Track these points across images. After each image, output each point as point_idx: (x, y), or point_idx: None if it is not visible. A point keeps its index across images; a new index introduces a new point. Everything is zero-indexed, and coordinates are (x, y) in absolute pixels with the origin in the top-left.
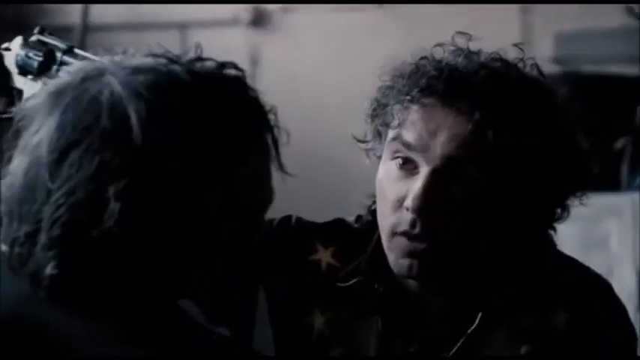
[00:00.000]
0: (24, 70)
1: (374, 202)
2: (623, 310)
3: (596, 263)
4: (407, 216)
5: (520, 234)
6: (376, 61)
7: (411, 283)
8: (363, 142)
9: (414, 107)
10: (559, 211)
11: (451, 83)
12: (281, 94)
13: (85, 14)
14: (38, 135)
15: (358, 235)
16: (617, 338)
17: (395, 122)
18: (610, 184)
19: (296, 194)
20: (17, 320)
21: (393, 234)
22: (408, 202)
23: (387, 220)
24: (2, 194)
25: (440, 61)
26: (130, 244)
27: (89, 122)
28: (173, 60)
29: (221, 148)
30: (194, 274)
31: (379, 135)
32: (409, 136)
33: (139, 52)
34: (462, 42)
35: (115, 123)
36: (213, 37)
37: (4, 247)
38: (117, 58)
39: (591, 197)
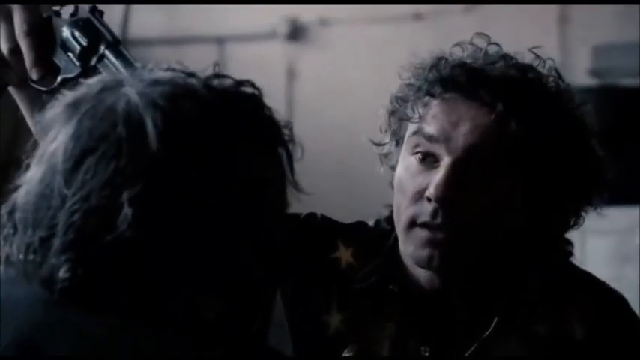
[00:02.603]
0: (66, 47)
1: (391, 212)
2: (638, 323)
3: (628, 276)
4: (428, 207)
5: (539, 232)
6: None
7: (426, 284)
8: (380, 145)
9: (435, 102)
10: (574, 211)
11: (472, 76)
12: (318, 106)
13: (124, 28)
14: (54, 144)
15: (377, 238)
16: (634, 350)
17: (415, 116)
18: None
19: (332, 204)
20: (32, 325)
21: (413, 225)
22: (431, 191)
23: (406, 213)
24: (18, 202)
25: (460, 58)
26: (142, 249)
27: (105, 130)
28: (191, 74)
29: (234, 160)
30: (207, 283)
31: (397, 138)
32: (430, 128)
33: (175, 65)
34: (480, 42)
35: (131, 131)
36: (250, 51)
37: (19, 256)
38: (135, 71)
39: (624, 211)
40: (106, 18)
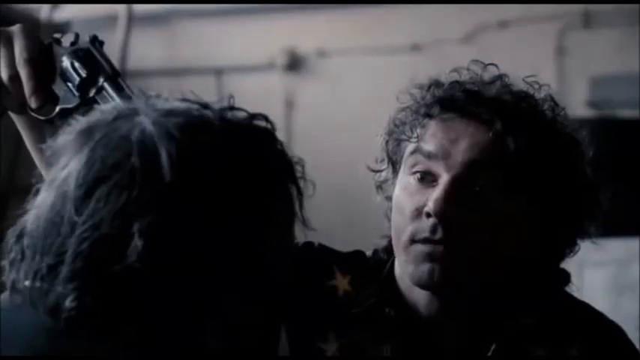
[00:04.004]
0: (65, 77)
1: (388, 242)
2: (636, 353)
3: (626, 307)
4: (427, 222)
5: (536, 256)
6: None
7: (424, 309)
8: (378, 171)
9: (433, 122)
10: (570, 239)
11: (470, 95)
12: (316, 137)
13: (123, 59)
14: (66, 170)
15: (374, 266)
16: None
17: (414, 136)
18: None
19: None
20: (36, 353)
21: (412, 242)
22: (430, 206)
23: (405, 231)
24: (27, 227)
25: (456, 80)
26: (150, 281)
27: (119, 159)
28: (205, 106)
29: (246, 194)
30: (212, 318)
31: (394, 161)
32: (429, 146)
33: (175, 96)
34: (476, 69)
35: (145, 160)
36: (249, 82)
37: (25, 282)
38: (150, 100)
39: (622, 242)
40: (105, 48)
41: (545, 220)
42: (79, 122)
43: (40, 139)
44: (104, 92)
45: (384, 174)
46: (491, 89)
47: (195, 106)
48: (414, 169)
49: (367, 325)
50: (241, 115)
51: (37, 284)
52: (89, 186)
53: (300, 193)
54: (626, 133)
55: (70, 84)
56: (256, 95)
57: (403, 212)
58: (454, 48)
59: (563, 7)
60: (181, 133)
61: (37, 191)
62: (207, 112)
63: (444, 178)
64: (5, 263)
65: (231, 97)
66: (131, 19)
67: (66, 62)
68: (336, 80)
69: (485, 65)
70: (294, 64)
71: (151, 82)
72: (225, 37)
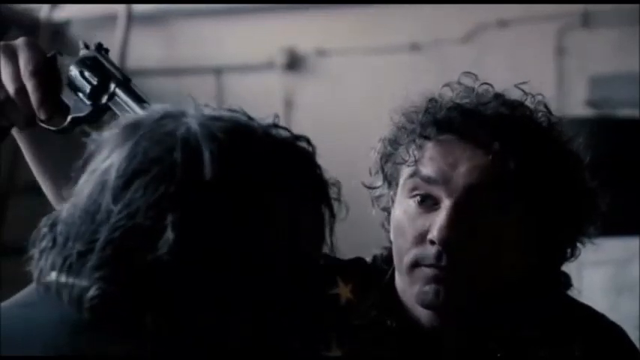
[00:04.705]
0: (75, 86)
1: (388, 252)
2: (636, 352)
3: (626, 307)
4: (431, 249)
5: (539, 267)
6: (412, 104)
7: (425, 320)
8: (373, 188)
9: (430, 144)
10: (571, 243)
11: (467, 117)
12: (315, 137)
13: (122, 59)
14: (108, 161)
15: (374, 274)
16: None
17: (411, 159)
18: (639, 227)
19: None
20: (58, 350)
21: (416, 266)
22: (434, 234)
23: (408, 255)
24: (62, 215)
25: (452, 100)
26: (178, 274)
27: (161, 153)
28: (251, 118)
29: (278, 209)
30: (240, 315)
31: (389, 180)
32: (428, 170)
33: (176, 97)
34: (468, 81)
35: (187, 157)
36: (248, 81)
37: (52, 273)
38: (198, 106)
39: (620, 241)
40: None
41: (544, 227)
42: (125, 118)
43: (41, 154)
44: (117, 98)
45: (379, 190)
46: (487, 108)
47: (243, 117)
48: (414, 193)
49: (369, 337)
50: (285, 134)
51: (64, 273)
52: (129, 177)
53: (332, 215)
54: (625, 132)
55: (80, 93)
56: (255, 95)
57: (405, 236)
58: (454, 48)
59: (562, 6)
60: (225, 136)
61: (76, 181)
62: (253, 124)
63: (446, 204)
64: (35, 252)
65: (277, 116)
66: (130, 18)
67: (74, 71)
68: (336, 80)
69: (477, 80)
70: (294, 63)
71: (150, 82)
72: (224, 36)
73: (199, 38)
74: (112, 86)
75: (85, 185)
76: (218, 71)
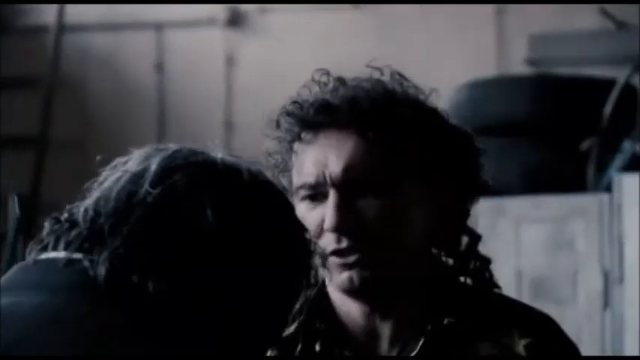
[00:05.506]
0: None
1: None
2: (571, 343)
3: (563, 263)
4: (330, 236)
5: (441, 242)
6: (353, 62)
7: (357, 317)
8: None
9: (301, 146)
10: (461, 214)
11: (320, 108)
12: (257, 94)
13: (61, 14)
14: (143, 165)
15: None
16: None
17: (289, 167)
18: (576, 185)
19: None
20: (62, 317)
21: (326, 256)
22: (327, 224)
23: (316, 249)
24: (86, 203)
25: (305, 98)
26: (210, 257)
27: (201, 156)
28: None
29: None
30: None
31: (288, 188)
32: (307, 177)
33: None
34: (327, 78)
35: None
36: (190, 37)
37: (62, 252)
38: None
39: (557, 198)
40: (43, 5)
41: (432, 197)
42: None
43: None
44: None
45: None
46: (338, 93)
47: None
48: (303, 195)
49: (300, 341)
50: None
51: (81, 248)
52: (170, 170)
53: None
54: (564, 91)
55: None
56: (196, 51)
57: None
58: (396, 6)
59: None
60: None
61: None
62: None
63: (332, 194)
64: (45, 234)
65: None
66: None
67: None
68: (278, 37)
69: (327, 74)
70: (236, 20)
71: (89, 37)
72: None
73: None
74: None
75: (115, 182)
76: (158, 27)
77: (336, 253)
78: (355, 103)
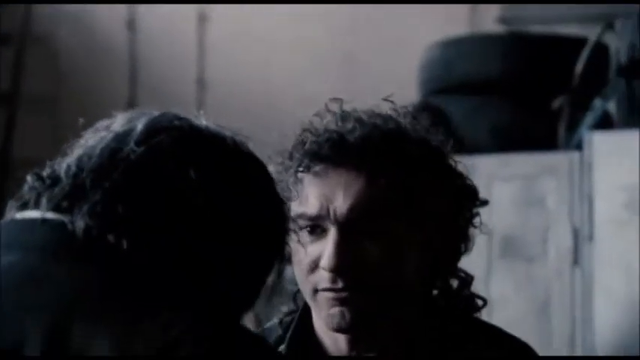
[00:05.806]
0: None
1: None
2: None
3: (533, 221)
4: (325, 275)
5: (440, 276)
6: (329, 20)
7: (340, 346)
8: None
9: (308, 177)
10: (462, 235)
11: (334, 144)
12: (229, 50)
13: None
14: (128, 125)
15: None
16: None
17: (294, 196)
18: (547, 143)
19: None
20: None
21: (317, 291)
22: (324, 263)
23: (306, 283)
24: (68, 160)
25: (318, 129)
26: (196, 216)
27: (185, 121)
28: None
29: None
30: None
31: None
32: (309, 208)
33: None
34: (335, 107)
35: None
36: None
37: (48, 213)
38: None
39: (528, 156)
40: None
41: (431, 236)
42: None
43: None
44: None
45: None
46: (355, 132)
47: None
48: (303, 225)
49: None
50: None
51: (65, 205)
52: (155, 129)
53: None
54: (536, 49)
55: None
56: (168, 7)
57: (301, 265)
58: None
59: None
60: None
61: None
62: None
63: (332, 231)
64: (27, 190)
65: None
66: None
67: None
68: None
69: (342, 105)
70: None
71: (58, 6)
72: None
73: None
74: None
75: (99, 141)
76: None
77: (329, 290)
78: (370, 144)
